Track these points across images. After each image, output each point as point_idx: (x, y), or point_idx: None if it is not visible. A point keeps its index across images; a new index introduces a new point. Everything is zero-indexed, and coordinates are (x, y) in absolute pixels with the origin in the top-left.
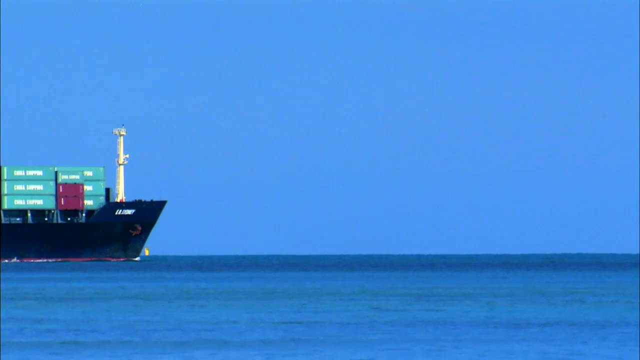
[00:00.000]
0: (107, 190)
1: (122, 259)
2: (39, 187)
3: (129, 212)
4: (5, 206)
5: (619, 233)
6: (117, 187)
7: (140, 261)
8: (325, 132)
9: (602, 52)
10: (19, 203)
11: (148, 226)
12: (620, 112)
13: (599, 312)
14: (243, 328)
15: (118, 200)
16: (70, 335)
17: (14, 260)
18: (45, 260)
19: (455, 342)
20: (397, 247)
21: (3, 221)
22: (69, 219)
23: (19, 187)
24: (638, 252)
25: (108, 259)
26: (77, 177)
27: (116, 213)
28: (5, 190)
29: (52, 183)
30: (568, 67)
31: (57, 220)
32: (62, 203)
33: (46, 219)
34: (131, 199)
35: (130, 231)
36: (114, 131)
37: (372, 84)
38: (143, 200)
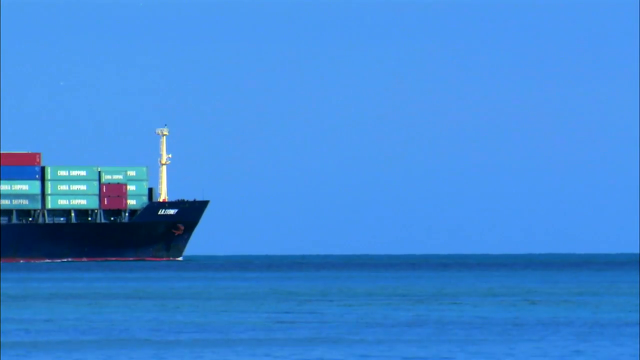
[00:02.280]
0: (150, 190)
1: (164, 259)
2: (83, 187)
3: (171, 211)
4: (49, 206)
5: (619, 233)
6: (160, 186)
7: (183, 261)
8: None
9: (602, 52)
10: (63, 203)
11: (191, 226)
12: (620, 112)
13: (597, 312)
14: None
15: (161, 200)
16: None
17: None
18: (88, 259)
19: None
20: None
21: (47, 221)
22: (112, 218)
23: (63, 187)
24: (638, 252)
25: (151, 258)
26: (120, 177)
27: (159, 213)
28: (49, 190)
29: (96, 183)
30: (568, 67)
31: (100, 220)
32: (106, 203)
33: (89, 218)
34: (174, 199)
35: (173, 231)
36: (156, 131)
37: (376, 84)
38: (186, 200)
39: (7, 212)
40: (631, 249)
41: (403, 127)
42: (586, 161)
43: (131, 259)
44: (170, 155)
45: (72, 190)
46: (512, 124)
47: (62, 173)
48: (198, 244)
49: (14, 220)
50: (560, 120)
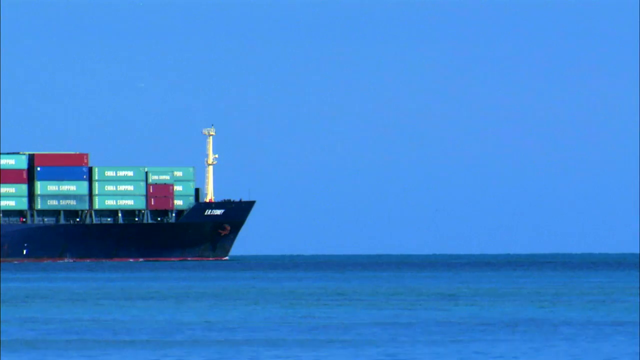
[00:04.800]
0: (197, 191)
1: (210, 259)
2: (130, 188)
3: (218, 212)
4: (97, 206)
5: (619, 233)
6: (207, 187)
7: (229, 260)
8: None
9: (602, 52)
10: (110, 203)
11: (237, 226)
12: (620, 112)
13: (597, 312)
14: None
15: (207, 200)
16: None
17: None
18: (135, 259)
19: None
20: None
21: (94, 221)
22: (159, 219)
23: (110, 188)
24: (638, 252)
25: (197, 258)
26: (167, 177)
27: (205, 213)
28: (96, 191)
29: (143, 183)
30: (568, 67)
31: (147, 220)
32: (152, 203)
33: (136, 219)
34: (220, 199)
35: (219, 231)
36: (203, 131)
37: (378, 84)
38: (232, 200)
39: (55, 213)
40: (631, 249)
41: (421, 129)
42: (586, 161)
43: (178, 259)
44: (216, 156)
45: (119, 191)
46: (512, 124)
47: (110, 173)
48: (244, 244)
49: (62, 220)
50: (560, 121)
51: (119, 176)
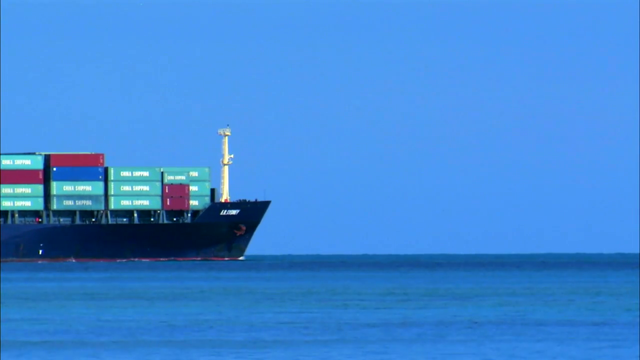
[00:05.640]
0: (212, 191)
1: (226, 259)
2: (145, 188)
3: (233, 212)
4: (112, 207)
5: (619, 233)
6: (222, 187)
7: (244, 260)
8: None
9: (602, 52)
10: (126, 204)
11: (252, 226)
12: (620, 112)
13: (595, 312)
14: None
15: (223, 201)
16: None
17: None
18: (151, 260)
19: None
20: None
21: (110, 221)
22: (174, 219)
23: (126, 188)
24: (638, 252)
25: (212, 258)
26: (183, 177)
27: (221, 213)
28: (112, 191)
29: (158, 184)
30: (568, 67)
31: (162, 220)
32: (168, 203)
33: (152, 219)
34: (236, 199)
35: (235, 231)
36: (218, 131)
37: (391, 86)
38: (247, 201)
39: (71, 213)
40: (631, 249)
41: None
42: (586, 161)
43: (193, 259)
44: (232, 156)
45: (134, 191)
46: (512, 124)
47: (125, 174)
48: (259, 244)
49: (77, 221)
50: (561, 121)
51: (135, 176)
